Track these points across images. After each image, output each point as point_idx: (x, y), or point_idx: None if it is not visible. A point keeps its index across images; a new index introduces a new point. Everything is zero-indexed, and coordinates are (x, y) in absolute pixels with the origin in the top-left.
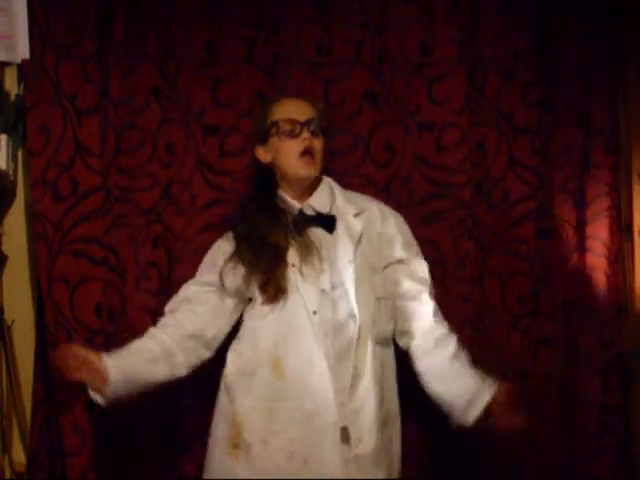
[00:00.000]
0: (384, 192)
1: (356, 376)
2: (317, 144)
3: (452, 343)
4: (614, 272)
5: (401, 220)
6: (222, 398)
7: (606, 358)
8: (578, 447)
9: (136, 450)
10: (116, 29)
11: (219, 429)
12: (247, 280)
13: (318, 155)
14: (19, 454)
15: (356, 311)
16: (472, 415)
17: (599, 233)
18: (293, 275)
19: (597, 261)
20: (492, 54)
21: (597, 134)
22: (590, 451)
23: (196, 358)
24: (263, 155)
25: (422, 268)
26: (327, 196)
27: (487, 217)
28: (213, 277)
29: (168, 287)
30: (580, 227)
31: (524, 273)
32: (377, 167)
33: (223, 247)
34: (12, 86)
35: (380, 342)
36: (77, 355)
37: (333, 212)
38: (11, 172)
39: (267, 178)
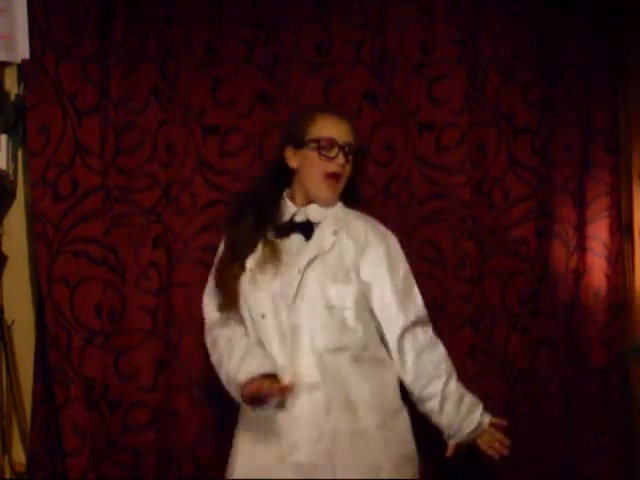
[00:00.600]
0: (384, 192)
1: (301, 383)
2: (347, 170)
3: (438, 388)
4: (614, 272)
5: (392, 244)
6: None
7: (606, 358)
8: (578, 447)
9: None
10: (116, 29)
11: None
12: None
13: (343, 180)
14: (19, 454)
15: (288, 319)
16: (450, 441)
17: (599, 233)
18: (246, 279)
19: (597, 261)
20: (492, 54)
21: (597, 134)
22: (590, 451)
23: None
24: (292, 159)
25: (404, 308)
26: (324, 209)
27: (487, 217)
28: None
29: (168, 287)
30: (580, 227)
31: (524, 273)
32: (377, 167)
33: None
34: (12, 86)
35: (334, 350)
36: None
37: (320, 224)
38: (11, 172)
39: (281, 176)
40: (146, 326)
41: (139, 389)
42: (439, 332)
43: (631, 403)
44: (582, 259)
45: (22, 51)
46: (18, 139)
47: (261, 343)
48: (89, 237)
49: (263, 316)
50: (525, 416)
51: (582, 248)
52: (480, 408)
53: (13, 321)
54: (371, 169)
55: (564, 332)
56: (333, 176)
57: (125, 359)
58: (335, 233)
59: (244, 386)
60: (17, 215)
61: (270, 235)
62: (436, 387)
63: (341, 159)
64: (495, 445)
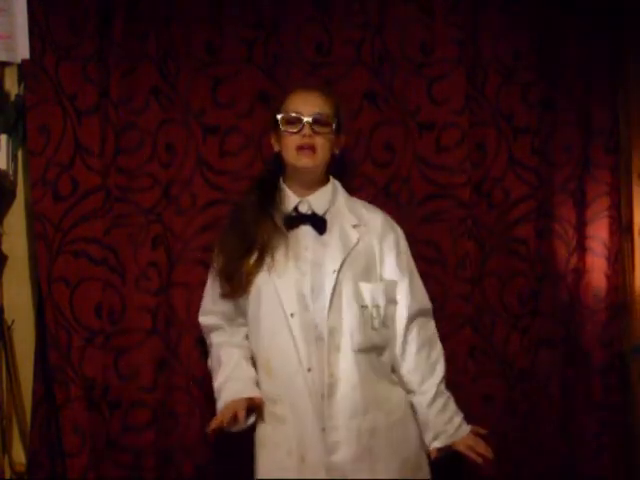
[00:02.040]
0: (384, 192)
1: (332, 385)
2: (319, 140)
3: (434, 385)
4: (614, 272)
5: (401, 234)
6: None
7: (606, 358)
8: (578, 447)
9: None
10: (116, 29)
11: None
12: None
13: (321, 150)
14: (19, 454)
15: (326, 320)
16: (434, 445)
17: (599, 233)
18: (271, 275)
19: (597, 261)
20: (492, 54)
21: (597, 134)
22: (590, 451)
23: None
24: (274, 143)
25: (412, 295)
26: (328, 198)
27: (487, 217)
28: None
29: (168, 287)
30: (580, 227)
31: (524, 273)
32: (377, 167)
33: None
34: (12, 86)
35: (366, 350)
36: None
37: (328, 215)
38: (11, 172)
39: (275, 167)
40: (146, 326)
41: (139, 389)
42: (439, 332)
43: (631, 403)
44: (582, 259)
45: (22, 51)
46: (18, 139)
47: (261, 343)
48: (89, 237)
49: (292, 315)
50: (525, 416)
51: (582, 248)
52: (462, 415)
53: (13, 321)
54: (371, 169)
55: (564, 332)
56: (301, 148)
57: (125, 359)
58: (355, 227)
59: (223, 407)
60: (17, 215)
61: (277, 224)
62: (431, 383)
63: (307, 130)
64: (477, 449)
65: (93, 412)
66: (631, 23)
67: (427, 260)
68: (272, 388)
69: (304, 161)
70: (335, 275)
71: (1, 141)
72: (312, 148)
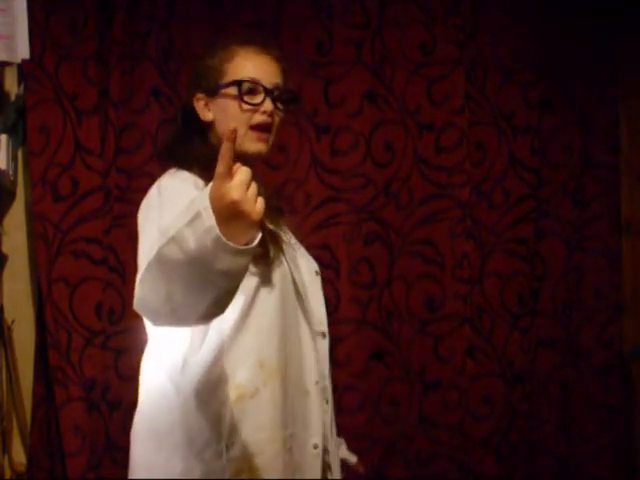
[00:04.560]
0: (384, 192)
1: (328, 396)
2: (276, 119)
3: None
4: (614, 272)
5: None
6: (208, 436)
7: (606, 358)
8: (578, 447)
9: None
10: (116, 29)
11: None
12: None
13: (275, 131)
14: (19, 454)
15: (326, 324)
16: None
17: (599, 233)
18: (286, 263)
19: (597, 261)
20: (492, 54)
21: (597, 134)
22: (590, 451)
23: None
24: (204, 111)
25: None
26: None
27: (487, 217)
28: None
29: None
30: (580, 227)
31: (524, 273)
32: (377, 167)
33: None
34: (12, 86)
35: None
36: None
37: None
38: (11, 172)
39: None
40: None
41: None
42: (438, 332)
43: (631, 403)
44: (582, 259)
45: (22, 51)
46: (18, 139)
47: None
48: (89, 237)
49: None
50: (525, 416)
51: (582, 248)
52: None
53: (13, 321)
54: (371, 169)
55: (564, 332)
56: (260, 128)
57: (125, 359)
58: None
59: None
60: (17, 215)
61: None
62: None
63: (268, 106)
64: None
65: (93, 412)
66: (631, 23)
67: (426, 260)
68: (282, 409)
69: (255, 147)
70: (319, 277)
71: (1, 141)
72: (269, 128)
